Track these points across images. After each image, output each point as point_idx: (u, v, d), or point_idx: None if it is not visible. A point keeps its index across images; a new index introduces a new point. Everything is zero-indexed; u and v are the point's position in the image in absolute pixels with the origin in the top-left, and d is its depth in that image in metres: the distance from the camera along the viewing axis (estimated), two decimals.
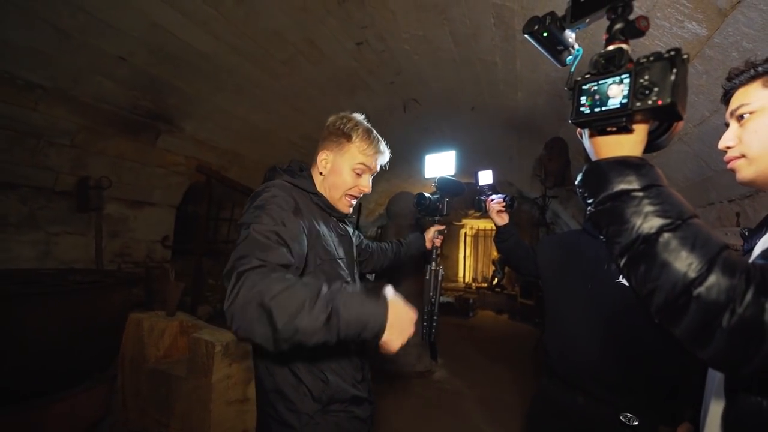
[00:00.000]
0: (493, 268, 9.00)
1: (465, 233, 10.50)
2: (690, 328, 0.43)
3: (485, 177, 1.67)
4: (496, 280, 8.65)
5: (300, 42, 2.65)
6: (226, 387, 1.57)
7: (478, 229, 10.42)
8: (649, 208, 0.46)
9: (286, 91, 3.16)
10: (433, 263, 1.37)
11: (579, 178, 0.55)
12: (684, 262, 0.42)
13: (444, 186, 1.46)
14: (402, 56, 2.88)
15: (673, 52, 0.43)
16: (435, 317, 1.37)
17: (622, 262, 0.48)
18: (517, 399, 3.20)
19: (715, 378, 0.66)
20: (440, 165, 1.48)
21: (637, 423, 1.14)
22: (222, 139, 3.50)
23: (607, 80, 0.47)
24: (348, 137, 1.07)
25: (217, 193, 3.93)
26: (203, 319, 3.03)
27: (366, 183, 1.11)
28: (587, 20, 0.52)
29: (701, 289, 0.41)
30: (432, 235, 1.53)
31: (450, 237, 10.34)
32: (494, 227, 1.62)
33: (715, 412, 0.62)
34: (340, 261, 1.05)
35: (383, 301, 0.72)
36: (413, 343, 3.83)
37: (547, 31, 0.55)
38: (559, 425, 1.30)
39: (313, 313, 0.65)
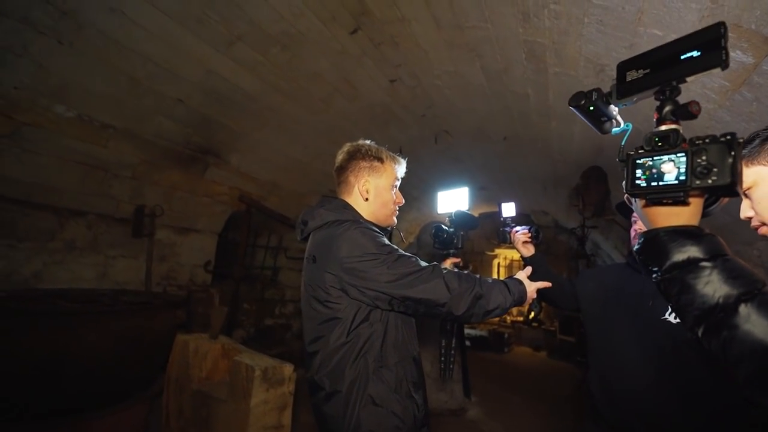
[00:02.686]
0: (529, 301, 8.54)
1: (498, 263, 10.16)
2: None
3: (508, 209, 1.66)
4: (532, 314, 8.17)
5: (337, 81, 2.84)
6: (263, 412, 1.59)
7: (512, 260, 10.05)
8: (721, 278, 0.47)
9: (322, 126, 3.36)
10: None
11: (638, 245, 0.56)
12: None
13: (459, 220, 1.47)
14: (433, 91, 2.99)
15: (729, 137, 0.46)
16: (452, 352, 1.36)
17: (700, 332, 0.48)
18: None
19: None
20: (453, 201, 1.51)
21: None
22: (262, 170, 3.73)
23: (662, 157, 0.49)
24: (380, 160, 1.15)
25: (255, 221, 4.14)
26: (238, 342, 3.11)
27: (400, 195, 1.22)
28: (634, 98, 0.55)
29: None
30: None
31: (483, 267, 10.03)
32: (521, 259, 1.59)
33: None
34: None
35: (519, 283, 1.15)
36: (444, 379, 3.67)
37: (593, 106, 0.58)
38: None
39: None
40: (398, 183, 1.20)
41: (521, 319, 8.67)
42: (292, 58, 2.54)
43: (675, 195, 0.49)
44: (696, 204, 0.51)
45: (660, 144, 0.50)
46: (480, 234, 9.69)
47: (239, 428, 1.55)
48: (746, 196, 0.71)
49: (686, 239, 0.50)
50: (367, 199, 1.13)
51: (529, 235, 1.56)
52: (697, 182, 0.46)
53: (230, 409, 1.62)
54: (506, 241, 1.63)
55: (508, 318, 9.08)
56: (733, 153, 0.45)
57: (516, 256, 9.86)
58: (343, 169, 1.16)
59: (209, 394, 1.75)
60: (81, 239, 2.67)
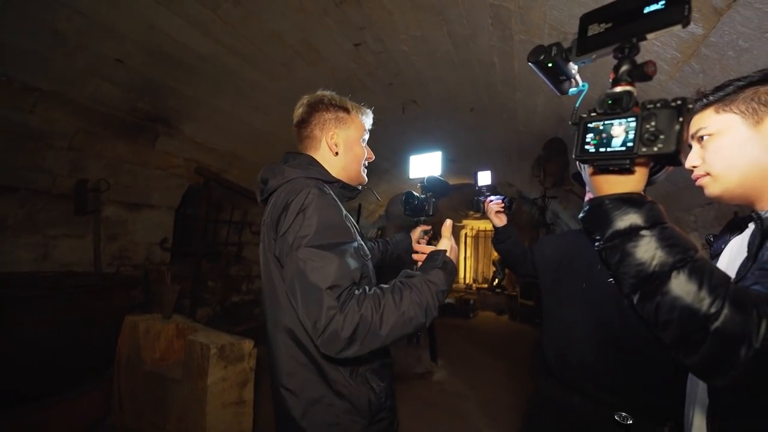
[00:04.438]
0: (493, 268, 8.99)
1: (465, 234, 10.49)
2: (707, 360, 0.45)
3: (484, 177, 1.66)
4: (496, 280, 8.63)
5: (298, 44, 2.65)
6: (222, 389, 1.57)
7: (478, 230, 10.41)
8: (657, 247, 0.48)
9: (284, 93, 3.16)
10: (418, 264, 1.34)
11: (583, 212, 0.56)
12: (697, 298, 0.45)
13: (432, 186, 1.40)
14: (400, 57, 2.88)
15: (679, 102, 0.45)
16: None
17: (635, 299, 0.50)
18: (517, 400, 3.19)
19: (695, 380, 0.66)
20: (426, 166, 1.44)
21: (631, 422, 1.15)
22: (221, 140, 3.50)
23: (613, 121, 0.48)
24: (346, 110, 1.04)
25: (216, 195, 3.93)
26: (202, 321, 3.03)
27: (369, 149, 1.12)
28: (593, 56, 0.53)
29: (717, 324, 0.44)
30: (418, 236, 1.47)
31: None
32: (493, 228, 1.62)
33: (699, 413, 0.62)
34: (369, 261, 1.02)
35: (443, 257, 0.94)
36: (412, 346, 3.82)
37: (552, 62, 0.55)
38: (556, 425, 1.31)
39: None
40: (367, 136, 1.10)
41: (485, 285, 9.14)
42: (247, 16, 2.32)
43: (621, 162, 0.48)
44: (642, 172, 0.51)
45: (613, 106, 0.49)
46: (448, 205, 9.90)
47: (197, 407, 1.53)
48: (700, 140, 0.70)
49: (629, 207, 0.50)
50: (337, 153, 1.02)
51: (503, 205, 1.58)
52: (644, 149, 0.45)
53: (187, 389, 1.59)
54: (479, 210, 1.64)
55: (474, 285, 9.53)
56: (681, 119, 0.44)
57: (483, 226, 10.22)
58: (305, 123, 1.03)
59: (164, 374, 1.71)
60: (12, 218, 2.41)
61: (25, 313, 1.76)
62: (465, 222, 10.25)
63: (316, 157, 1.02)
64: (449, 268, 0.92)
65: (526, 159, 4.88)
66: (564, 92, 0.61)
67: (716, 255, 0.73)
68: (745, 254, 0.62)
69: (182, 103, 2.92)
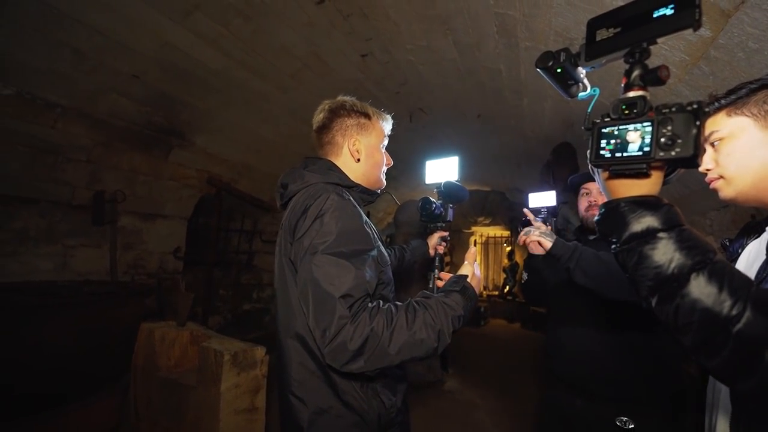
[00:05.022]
0: (504, 275, 8.88)
1: (475, 240, 10.41)
2: (729, 363, 0.44)
3: (547, 199, 1.53)
4: (507, 287, 8.52)
5: (306, 56, 2.72)
6: (235, 396, 1.58)
7: (488, 237, 10.33)
8: (676, 248, 0.47)
9: (293, 104, 3.23)
10: (436, 271, 1.27)
11: (598, 215, 0.56)
12: (717, 300, 0.44)
13: (449, 191, 1.38)
14: (407, 67, 2.92)
15: (695, 106, 0.45)
16: None
17: (654, 301, 0.49)
18: (529, 408, 3.12)
19: (718, 386, 0.65)
20: (442, 171, 1.41)
21: (632, 426, 1.16)
22: (232, 151, 3.58)
23: (627, 126, 0.48)
24: (367, 116, 1.03)
25: (227, 205, 4.00)
26: (214, 329, 3.06)
27: (388, 155, 1.12)
28: (603, 60, 0.53)
29: (740, 326, 0.43)
30: (435, 242, 1.46)
31: (460, 245, 10.26)
32: (503, 239, 1.53)
33: (723, 419, 0.60)
34: (389, 268, 1.00)
35: (463, 282, 0.93)
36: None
37: (561, 68, 0.55)
38: (562, 429, 1.34)
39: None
40: (386, 141, 1.10)
41: (496, 293, 9.01)
42: (257, 31, 2.39)
43: (638, 167, 0.48)
44: (657, 175, 0.51)
45: (627, 112, 0.49)
46: (457, 212, 9.84)
47: (211, 413, 1.54)
48: (713, 144, 0.70)
49: (645, 210, 0.50)
50: (359, 160, 1.01)
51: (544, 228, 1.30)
52: (661, 154, 0.45)
53: (200, 395, 1.60)
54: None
55: (485, 293, 9.41)
56: (698, 123, 0.44)
57: (493, 233, 10.13)
58: (326, 129, 1.01)
59: (178, 381, 1.73)
60: (34, 229, 2.50)
61: (43, 321, 1.81)
62: (474, 228, 10.18)
63: (337, 163, 1.01)
64: (469, 293, 0.89)
65: (534, 164, 4.85)
66: (573, 96, 0.61)
67: (733, 259, 0.72)
68: (764, 257, 0.61)
69: (195, 116, 3.00)
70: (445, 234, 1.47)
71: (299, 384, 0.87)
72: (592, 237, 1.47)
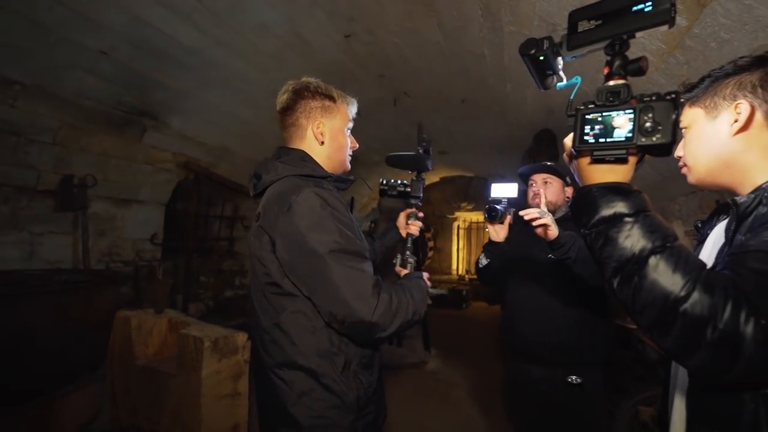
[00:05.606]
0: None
1: (458, 226, 10.56)
2: (677, 341, 0.47)
3: (509, 190, 1.53)
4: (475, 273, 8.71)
5: (287, 35, 2.61)
6: (216, 382, 1.58)
7: (470, 222, 10.49)
8: (639, 233, 0.50)
9: (274, 85, 3.07)
10: (407, 253, 1.22)
11: (571, 200, 0.59)
12: (671, 281, 0.47)
13: (396, 162, 1.31)
14: (391, 49, 2.86)
15: (673, 95, 0.47)
16: None
17: (616, 282, 0.52)
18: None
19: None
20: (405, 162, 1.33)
21: (581, 381, 1.39)
22: (210, 134, 3.45)
23: (611, 113, 0.50)
24: (332, 98, 1.03)
25: (207, 190, 3.89)
26: (196, 317, 3.02)
27: (353, 138, 1.13)
28: (585, 51, 0.54)
29: (686, 306, 0.46)
30: (403, 222, 1.38)
31: (443, 229, 10.38)
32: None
33: (680, 392, 0.65)
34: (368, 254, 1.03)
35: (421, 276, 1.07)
36: (406, 335, 3.87)
37: (543, 56, 0.56)
38: (525, 398, 1.54)
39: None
40: (351, 125, 1.10)
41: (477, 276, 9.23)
42: (233, 6, 2.27)
43: (618, 152, 0.50)
44: (632, 162, 0.54)
45: (611, 99, 0.51)
46: (441, 198, 9.93)
47: (192, 400, 1.54)
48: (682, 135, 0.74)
49: (615, 195, 0.53)
50: (323, 143, 1.02)
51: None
52: (643, 140, 0.48)
53: (181, 382, 1.60)
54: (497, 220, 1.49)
55: (467, 276, 9.63)
56: (676, 112, 0.47)
57: (475, 218, 10.29)
58: (290, 111, 1.02)
59: (158, 369, 1.71)
60: None
61: (13, 312, 1.73)
62: (458, 214, 10.31)
63: (302, 147, 1.02)
64: (426, 287, 1.04)
65: (516, 150, 4.91)
66: (547, 87, 0.62)
67: (703, 241, 0.75)
68: (723, 240, 0.64)
69: (169, 97, 2.87)
70: (412, 211, 1.36)
71: (280, 366, 0.90)
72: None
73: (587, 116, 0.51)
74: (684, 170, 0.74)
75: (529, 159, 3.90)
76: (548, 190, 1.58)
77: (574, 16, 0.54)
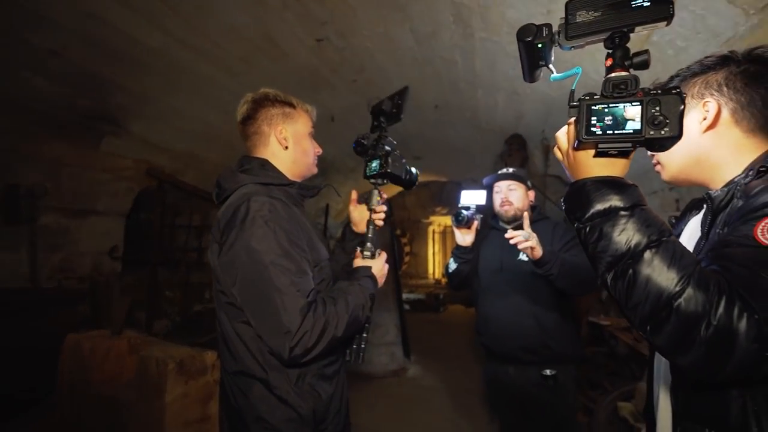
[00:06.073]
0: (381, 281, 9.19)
1: (433, 230, 10.68)
2: (671, 338, 0.46)
3: (477, 197, 1.57)
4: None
5: (258, 38, 2.54)
6: (183, 407, 1.46)
7: (445, 226, 10.64)
8: (634, 227, 0.50)
9: (245, 90, 2.95)
10: (369, 245, 1.05)
11: (566, 194, 0.58)
12: (665, 277, 0.46)
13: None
14: (364, 54, 2.85)
15: (677, 90, 0.47)
16: (368, 327, 1.01)
17: (610, 276, 0.51)
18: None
19: (660, 358, 0.70)
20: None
21: (555, 373, 1.47)
22: (176, 140, 3.29)
23: (618, 105, 0.48)
24: (291, 105, 1.05)
25: (172, 199, 3.70)
26: (161, 334, 2.83)
27: (317, 144, 1.12)
28: (584, 41, 0.53)
29: (680, 301, 0.45)
30: (357, 216, 1.16)
31: (419, 234, 10.46)
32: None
33: (664, 389, 0.65)
34: (327, 262, 1.03)
35: (370, 272, 1.02)
36: (386, 343, 3.82)
37: (542, 43, 0.55)
38: (504, 397, 1.60)
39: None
40: (313, 131, 1.11)
41: None
42: (201, 8, 2.18)
43: (625, 145, 0.49)
44: (630, 156, 0.53)
45: (618, 91, 0.49)
46: (415, 203, 10.02)
47: (155, 428, 1.41)
48: None
49: (609, 189, 0.52)
50: (287, 148, 1.03)
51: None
52: (651, 133, 0.47)
53: (142, 411, 1.46)
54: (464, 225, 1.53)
55: (443, 280, 9.72)
56: (683, 106, 0.47)
57: (449, 222, 10.46)
58: (251, 120, 1.02)
59: (115, 397, 1.56)
60: None
61: None
62: (432, 218, 10.43)
63: (266, 154, 1.02)
64: (374, 281, 1.02)
65: (488, 154, 5.03)
66: (534, 80, 0.61)
67: (677, 236, 0.76)
68: (699, 234, 0.66)
69: (130, 101, 2.70)
70: (374, 194, 1.11)
71: (237, 375, 0.91)
72: (504, 226, 1.68)
73: (593, 107, 0.49)
74: (657, 168, 0.75)
75: (501, 163, 4.00)
76: (513, 196, 1.63)
77: (572, 6, 0.53)
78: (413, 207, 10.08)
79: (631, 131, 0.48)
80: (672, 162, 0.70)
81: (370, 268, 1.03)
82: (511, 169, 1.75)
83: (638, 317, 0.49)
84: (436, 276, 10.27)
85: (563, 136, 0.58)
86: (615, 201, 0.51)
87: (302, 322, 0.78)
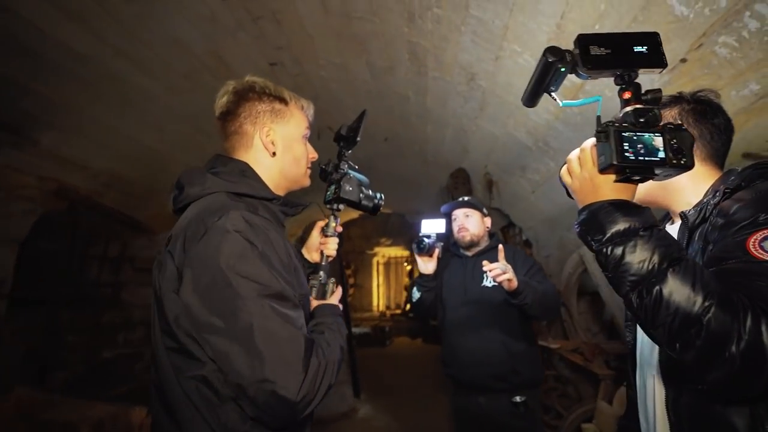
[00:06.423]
0: (405, 294, 9.26)
1: (377, 261, 10.67)
2: (703, 354, 0.47)
3: (437, 226, 1.64)
4: (408, 305, 8.89)
5: (206, 55, 2.41)
6: None
7: (389, 257, 10.71)
8: (655, 246, 0.52)
9: (186, 109, 2.81)
10: (322, 275, 0.96)
11: (582, 217, 0.59)
12: (692, 294, 0.48)
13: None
14: (318, 82, 2.87)
15: (685, 126, 0.55)
16: None
17: (634, 296, 0.52)
18: (441, 418, 3.20)
19: (646, 367, 0.73)
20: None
21: (525, 399, 1.48)
22: (96, 157, 2.88)
23: (645, 134, 0.53)
24: (283, 101, 0.87)
25: (86, 225, 3.17)
26: (58, 390, 2.29)
27: (312, 148, 0.95)
28: (601, 74, 0.57)
29: (710, 317, 0.46)
30: (314, 242, 1.07)
31: (363, 266, 10.35)
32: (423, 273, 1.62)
33: (659, 400, 0.67)
34: (307, 297, 0.85)
35: (337, 311, 0.88)
36: (335, 383, 3.56)
37: (564, 68, 0.57)
38: (473, 429, 1.56)
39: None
40: (309, 133, 0.93)
41: (399, 311, 9.31)
42: (142, 15, 2.02)
43: (647, 171, 0.53)
44: (639, 184, 0.58)
45: (644, 121, 0.54)
46: (360, 234, 9.98)
47: None
48: None
49: (628, 210, 0.56)
50: (274, 154, 0.85)
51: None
52: (674, 161, 0.51)
53: None
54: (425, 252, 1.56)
55: (387, 312, 9.62)
56: (693, 141, 0.54)
57: (394, 253, 10.53)
58: (232, 116, 0.85)
59: None
60: None
61: None
62: (377, 249, 10.44)
63: (248, 159, 0.84)
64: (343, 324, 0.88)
65: (432, 188, 5.27)
66: (533, 105, 0.64)
67: None
68: None
69: (42, 108, 2.33)
70: (324, 223, 1.07)
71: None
72: (465, 253, 1.74)
73: (624, 134, 0.53)
74: None
75: (447, 195, 4.20)
76: (469, 222, 1.71)
77: (585, 40, 0.56)
78: (357, 238, 10.03)
79: (658, 159, 0.52)
80: (642, 186, 0.77)
81: (338, 307, 0.89)
82: (467, 198, 1.84)
83: (666, 335, 0.50)
84: (381, 308, 10.13)
85: (576, 160, 0.61)
86: (634, 222, 0.54)
87: (309, 364, 0.63)
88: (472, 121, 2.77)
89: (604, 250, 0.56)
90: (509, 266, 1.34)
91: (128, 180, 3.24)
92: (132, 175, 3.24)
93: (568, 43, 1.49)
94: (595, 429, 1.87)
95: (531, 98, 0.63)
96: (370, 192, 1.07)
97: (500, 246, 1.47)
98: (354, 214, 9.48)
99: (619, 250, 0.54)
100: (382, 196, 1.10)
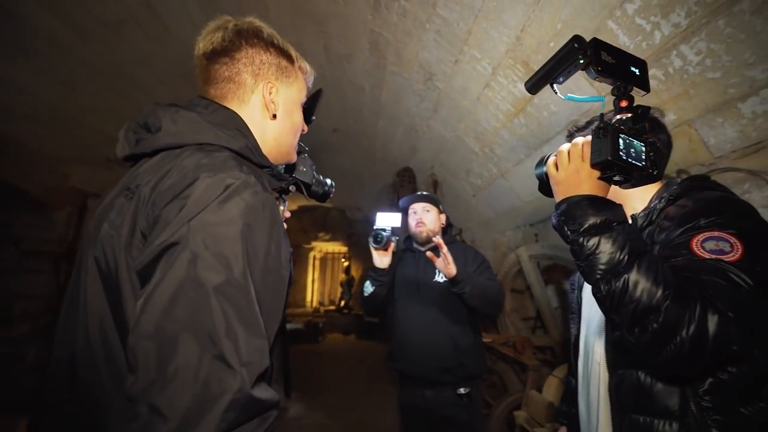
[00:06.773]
0: (340, 290, 9.18)
1: (314, 256, 10.42)
2: (658, 337, 0.53)
3: (393, 219, 1.61)
4: (343, 302, 8.82)
5: (136, 6, 2.08)
6: None
7: (326, 252, 10.53)
8: (625, 239, 0.58)
9: (104, 65, 2.40)
10: None
11: (561, 209, 0.64)
12: (654, 283, 0.54)
13: None
14: None
15: (659, 144, 0.63)
16: None
17: (603, 282, 0.57)
18: (379, 415, 3.21)
19: (591, 355, 0.79)
20: None
21: (468, 390, 1.53)
22: None
23: (635, 141, 0.59)
24: (290, 58, 0.73)
25: None
26: None
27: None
28: (604, 78, 0.61)
29: (668, 304, 0.53)
30: None
31: (299, 260, 10.01)
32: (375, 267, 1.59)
33: (603, 385, 0.73)
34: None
35: None
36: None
37: (582, 60, 0.60)
38: (422, 421, 1.58)
39: None
40: (305, 100, 0.80)
41: (333, 307, 9.20)
42: None
43: (628, 173, 0.59)
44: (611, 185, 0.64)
45: (636, 130, 0.60)
46: (297, 227, 9.63)
47: None
48: None
49: (604, 205, 0.61)
50: (274, 116, 0.71)
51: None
52: (649, 170, 0.58)
53: None
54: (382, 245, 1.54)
55: (321, 308, 9.45)
56: (666, 159, 0.62)
57: (330, 248, 10.37)
58: (227, 58, 0.67)
59: None
60: None
61: None
62: (314, 244, 10.19)
63: (242, 115, 0.67)
64: None
65: (377, 184, 5.29)
66: (535, 92, 0.66)
67: None
68: None
69: None
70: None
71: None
72: (419, 248, 1.77)
73: (621, 135, 0.58)
74: None
75: (393, 193, 4.24)
76: (427, 217, 1.73)
77: (598, 45, 0.60)
78: (295, 232, 9.66)
79: (640, 165, 0.58)
80: None
81: None
82: (425, 192, 1.86)
83: (629, 320, 0.55)
84: (314, 304, 9.91)
85: (566, 152, 0.65)
86: (609, 216, 0.60)
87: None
88: (424, 121, 2.82)
89: (580, 239, 0.60)
90: (449, 255, 1.42)
91: (20, 143, 2.68)
92: (27, 138, 2.69)
93: (525, 57, 1.59)
94: (526, 416, 2.03)
95: (537, 83, 0.66)
96: (321, 177, 0.98)
97: (438, 239, 1.48)
98: (292, 206, 9.13)
99: (594, 241, 0.59)
100: (333, 183, 1.02)
